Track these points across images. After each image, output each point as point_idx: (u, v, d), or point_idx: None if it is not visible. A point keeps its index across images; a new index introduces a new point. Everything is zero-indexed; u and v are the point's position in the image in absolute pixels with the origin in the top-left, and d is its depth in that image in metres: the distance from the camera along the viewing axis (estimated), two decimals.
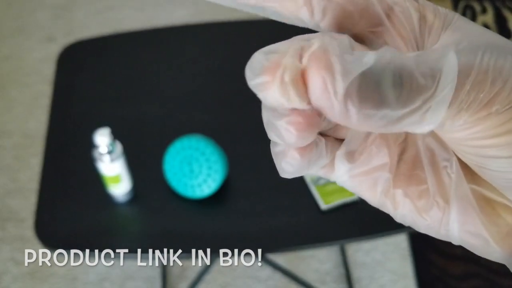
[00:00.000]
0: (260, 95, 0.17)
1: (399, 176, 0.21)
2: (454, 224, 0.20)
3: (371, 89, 0.15)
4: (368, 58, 0.16)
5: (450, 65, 0.16)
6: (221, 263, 1.44)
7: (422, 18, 0.19)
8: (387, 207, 0.21)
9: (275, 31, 1.29)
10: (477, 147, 0.17)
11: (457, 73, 0.16)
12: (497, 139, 0.17)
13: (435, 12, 0.19)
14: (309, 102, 0.16)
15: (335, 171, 0.22)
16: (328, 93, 0.15)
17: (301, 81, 0.16)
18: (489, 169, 0.18)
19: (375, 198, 0.21)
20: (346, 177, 0.21)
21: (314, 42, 0.16)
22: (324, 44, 0.16)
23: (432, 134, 0.21)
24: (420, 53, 0.16)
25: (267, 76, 0.16)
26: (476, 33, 0.18)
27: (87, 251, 0.99)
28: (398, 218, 0.21)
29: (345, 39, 0.16)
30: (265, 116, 0.18)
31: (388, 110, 0.16)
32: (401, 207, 0.21)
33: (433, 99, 0.16)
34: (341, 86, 0.15)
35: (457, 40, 0.17)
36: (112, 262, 1.44)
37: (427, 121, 0.16)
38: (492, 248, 0.19)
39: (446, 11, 0.19)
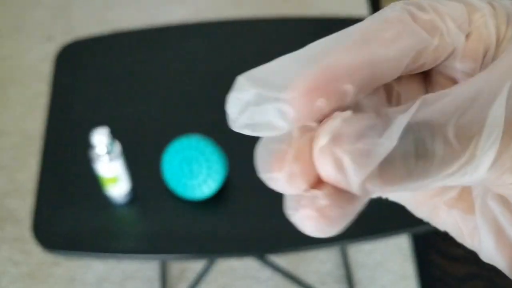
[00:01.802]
0: (273, 187, 0.15)
1: None
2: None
3: (395, 168, 0.13)
4: (388, 137, 0.13)
5: (495, 117, 0.13)
6: (221, 264, 1.43)
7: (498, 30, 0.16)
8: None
9: (275, 31, 1.29)
10: None
11: (503, 128, 0.13)
12: None
13: (508, 16, 0.16)
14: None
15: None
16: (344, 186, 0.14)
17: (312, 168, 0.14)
18: None
19: None
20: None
21: (321, 135, 0.14)
22: (334, 135, 0.14)
23: None
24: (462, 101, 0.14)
25: (275, 173, 0.14)
26: None
27: (86, 252, 0.99)
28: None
29: (361, 118, 0.14)
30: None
31: (415, 184, 0.13)
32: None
33: (469, 165, 0.13)
34: (355, 181, 0.13)
35: None
36: (111, 263, 1.44)
37: (466, 182, 0.14)
38: None
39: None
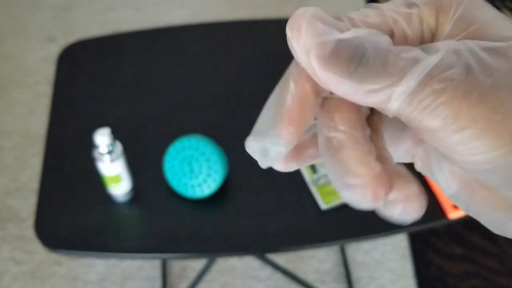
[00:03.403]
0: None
1: None
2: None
3: (341, 61, 0.18)
4: (348, 33, 0.19)
5: (425, 65, 0.18)
6: (221, 263, 1.44)
7: (425, 21, 0.20)
8: None
9: (275, 32, 1.30)
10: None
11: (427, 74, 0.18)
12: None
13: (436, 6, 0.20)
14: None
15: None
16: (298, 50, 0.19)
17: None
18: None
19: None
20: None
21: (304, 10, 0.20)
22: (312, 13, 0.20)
23: None
24: (404, 47, 0.19)
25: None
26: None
27: (87, 251, 1.00)
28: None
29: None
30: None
31: (351, 83, 0.18)
32: None
33: (393, 87, 0.18)
34: (309, 46, 0.19)
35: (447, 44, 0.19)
36: (112, 262, 1.45)
37: (390, 104, 0.18)
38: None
39: None
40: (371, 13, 0.21)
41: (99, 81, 1.21)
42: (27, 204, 1.54)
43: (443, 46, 0.19)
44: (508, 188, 0.19)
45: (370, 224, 0.99)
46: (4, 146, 1.67)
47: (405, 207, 0.20)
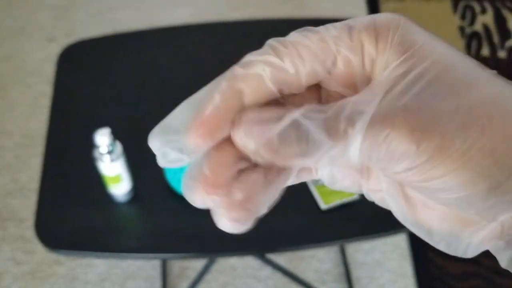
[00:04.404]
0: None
1: None
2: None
3: (291, 147, 0.19)
4: (284, 121, 0.19)
5: (364, 119, 0.19)
6: (221, 263, 1.44)
7: (365, 58, 0.21)
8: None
9: (275, 32, 1.30)
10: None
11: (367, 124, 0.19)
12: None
13: (376, 41, 0.20)
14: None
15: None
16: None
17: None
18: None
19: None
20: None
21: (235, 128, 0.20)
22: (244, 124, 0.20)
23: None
24: (335, 108, 0.19)
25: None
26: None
27: (87, 251, 1.00)
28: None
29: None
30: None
31: (307, 159, 0.19)
32: None
33: (342, 148, 0.19)
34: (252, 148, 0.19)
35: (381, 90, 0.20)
36: (112, 261, 1.45)
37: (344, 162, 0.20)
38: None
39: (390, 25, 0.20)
40: (313, 39, 0.21)
41: (99, 81, 1.21)
42: (27, 204, 1.54)
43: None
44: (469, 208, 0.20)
45: (370, 224, 0.99)
46: (4, 146, 1.67)
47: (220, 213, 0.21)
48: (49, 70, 1.70)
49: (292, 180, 0.23)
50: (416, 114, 0.19)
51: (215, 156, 0.20)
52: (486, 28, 2.00)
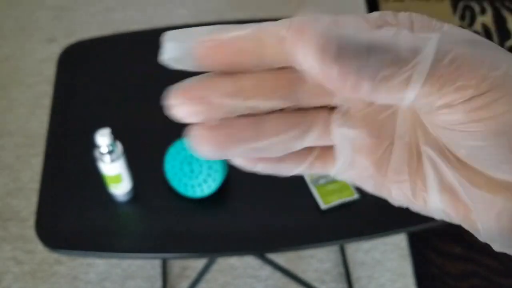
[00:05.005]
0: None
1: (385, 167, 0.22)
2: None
3: (351, 54, 0.17)
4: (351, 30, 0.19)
5: (431, 46, 0.18)
6: (221, 263, 1.44)
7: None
8: (384, 196, 0.23)
9: None
10: (451, 127, 0.19)
11: (436, 53, 0.17)
12: (466, 125, 0.18)
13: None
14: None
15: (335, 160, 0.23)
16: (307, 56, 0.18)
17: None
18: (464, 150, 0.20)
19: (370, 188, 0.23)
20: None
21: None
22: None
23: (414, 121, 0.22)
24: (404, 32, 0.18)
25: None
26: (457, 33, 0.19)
27: (88, 250, 1.00)
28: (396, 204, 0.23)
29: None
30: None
31: (364, 73, 0.17)
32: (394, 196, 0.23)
33: (411, 71, 0.17)
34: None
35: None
36: (112, 261, 1.45)
37: (406, 91, 0.18)
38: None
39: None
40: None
41: (99, 81, 1.21)
42: (27, 204, 1.54)
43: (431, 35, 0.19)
44: (496, 168, 0.19)
45: (370, 224, 0.99)
46: (4, 146, 1.67)
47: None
48: (49, 70, 1.70)
49: (306, 167, 0.23)
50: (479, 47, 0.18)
51: (212, 78, 0.20)
52: (485, 28, 2.00)
